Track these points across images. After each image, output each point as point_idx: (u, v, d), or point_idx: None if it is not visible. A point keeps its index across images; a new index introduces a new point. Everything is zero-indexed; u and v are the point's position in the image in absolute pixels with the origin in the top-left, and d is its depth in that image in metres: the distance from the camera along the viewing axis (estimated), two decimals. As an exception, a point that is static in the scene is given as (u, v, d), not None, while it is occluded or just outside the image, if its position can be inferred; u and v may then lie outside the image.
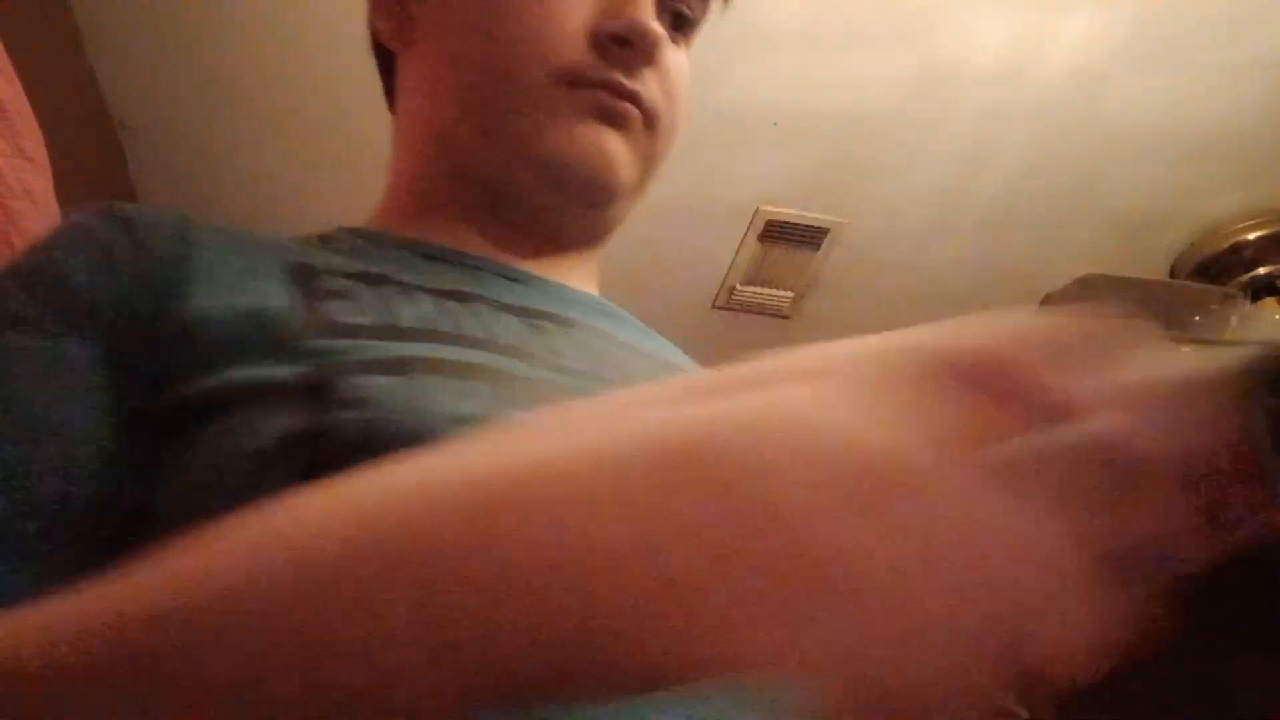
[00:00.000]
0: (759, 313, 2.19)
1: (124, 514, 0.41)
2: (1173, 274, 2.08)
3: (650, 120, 0.57)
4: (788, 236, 1.98)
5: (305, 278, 0.47)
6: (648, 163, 0.58)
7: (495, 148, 0.56)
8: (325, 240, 0.57)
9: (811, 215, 1.94)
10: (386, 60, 0.65)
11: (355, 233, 0.59)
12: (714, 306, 2.18)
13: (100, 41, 1.57)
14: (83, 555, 0.38)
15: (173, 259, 0.46)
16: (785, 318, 2.21)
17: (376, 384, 0.40)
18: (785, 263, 2.05)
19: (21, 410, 0.40)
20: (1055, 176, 1.87)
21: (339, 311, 0.45)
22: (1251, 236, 1.96)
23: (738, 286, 2.11)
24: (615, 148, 0.55)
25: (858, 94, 1.70)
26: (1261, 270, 1.98)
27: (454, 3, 0.58)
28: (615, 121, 0.55)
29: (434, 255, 0.55)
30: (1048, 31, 1.60)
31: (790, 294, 2.13)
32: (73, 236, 0.47)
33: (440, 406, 0.39)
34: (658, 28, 0.55)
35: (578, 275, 0.61)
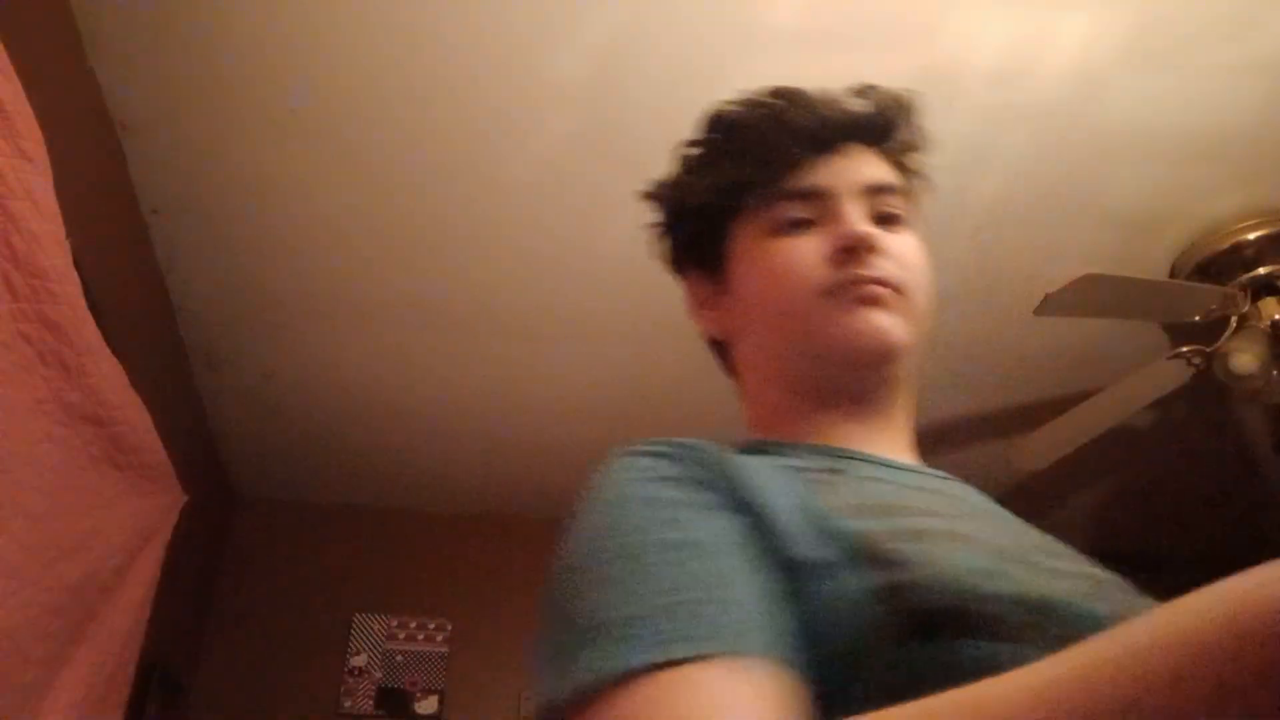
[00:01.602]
0: (759, 313, 2.19)
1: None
2: (1173, 274, 2.08)
3: (898, 289, 0.72)
4: (788, 236, 1.97)
5: (798, 474, 0.62)
6: (912, 321, 0.73)
7: (812, 357, 0.74)
8: (746, 449, 0.69)
9: (811, 215, 1.94)
10: (720, 347, 0.85)
11: (757, 443, 0.72)
12: (714, 306, 2.18)
13: (100, 41, 1.57)
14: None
15: (727, 472, 0.60)
16: (785, 318, 2.21)
17: (915, 549, 0.53)
18: (785, 263, 2.05)
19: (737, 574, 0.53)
20: (1055, 176, 1.87)
21: (843, 497, 0.59)
22: (1251, 236, 1.97)
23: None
24: (880, 320, 0.71)
25: (858, 94, 1.70)
26: (1261, 270, 1.98)
27: (746, 293, 0.78)
28: (871, 301, 0.71)
29: (824, 452, 0.70)
30: (1048, 32, 1.60)
31: (790, 294, 2.13)
32: (672, 455, 0.62)
33: (960, 562, 0.52)
34: (866, 228, 0.73)
35: (907, 451, 0.76)
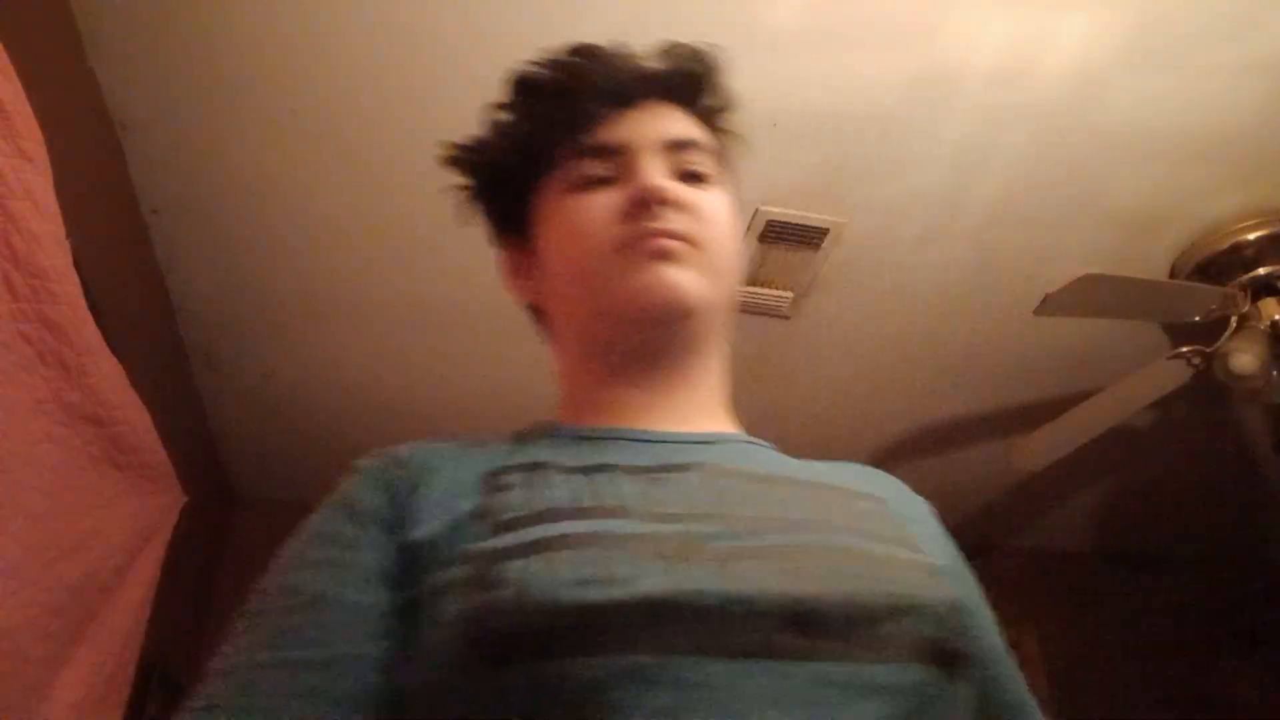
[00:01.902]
0: (759, 313, 2.19)
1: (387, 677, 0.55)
2: (1173, 274, 2.08)
3: (694, 244, 0.70)
4: (787, 236, 1.98)
5: (489, 482, 0.62)
6: (710, 276, 0.71)
7: (604, 316, 0.72)
8: (520, 436, 0.72)
9: (811, 215, 1.94)
10: (538, 314, 0.83)
11: (540, 426, 0.74)
12: (714, 306, 2.18)
13: (100, 41, 1.57)
14: (361, 703, 0.54)
15: (412, 492, 0.63)
16: (785, 318, 2.21)
17: (516, 566, 0.52)
18: (785, 263, 2.05)
19: (328, 599, 0.58)
20: (1055, 176, 1.87)
21: (504, 507, 0.59)
22: (1251, 236, 1.97)
23: (738, 287, 2.11)
24: (671, 275, 0.69)
25: (858, 94, 1.70)
26: (1261, 270, 1.98)
27: (548, 256, 0.76)
28: (662, 255, 0.69)
29: (585, 436, 0.70)
30: (1048, 32, 1.60)
31: (790, 294, 2.13)
32: (362, 476, 0.66)
33: (562, 575, 0.51)
34: (662, 182, 0.71)
35: (705, 418, 0.74)
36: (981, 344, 2.33)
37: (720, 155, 0.80)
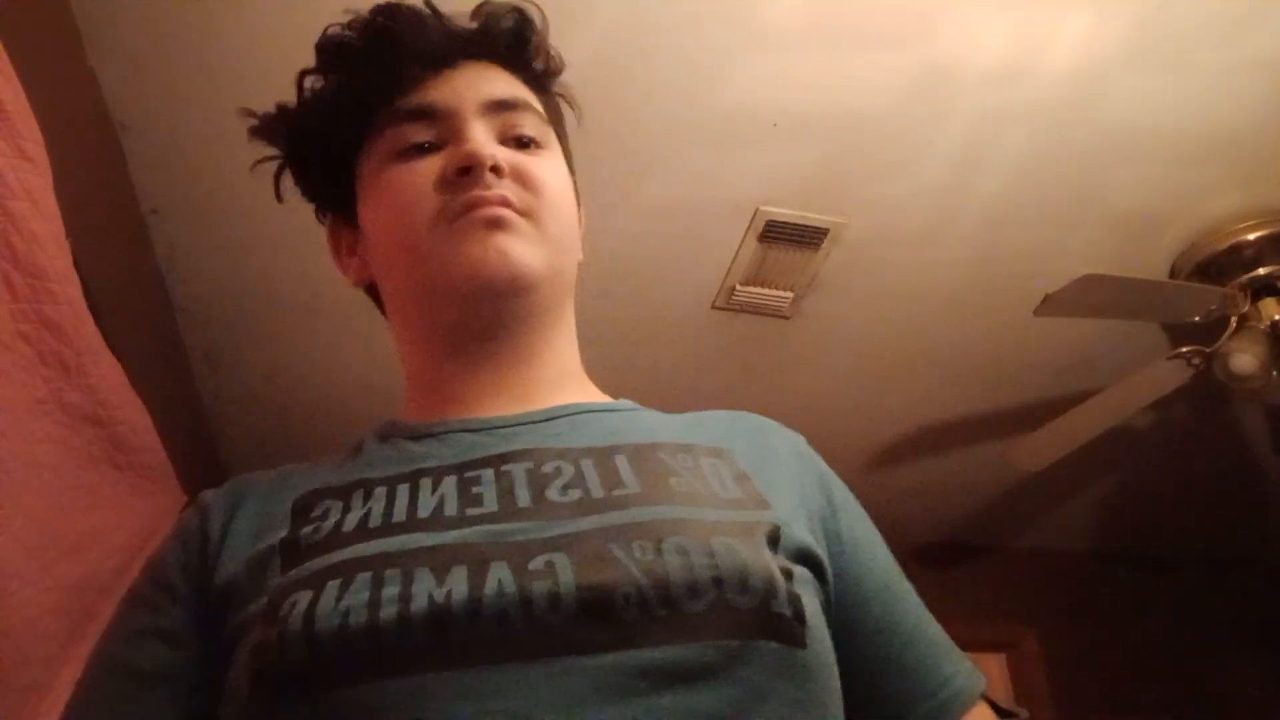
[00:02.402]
0: (759, 313, 2.19)
1: None
2: (1173, 274, 2.08)
3: (524, 212, 0.66)
4: (787, 236, 1.98)
5: (301, 510, 0.60)
6: (546, 245, 0.67)
7: (434, 293, 0.68)
8: (358, 446, 0.69)
9: (811, 215, 1.94)
10: (374, 296, 0.78)
11: (380, 428, 0.71)
12: (714, 307, 2.18)
13: (100, 41, 1.57)
14: None
15: (218, 536, 0.61)
16: (785, 318, 2.21)
17: (295, 599, 0.51)
18: (785, 263, 2.05)
19: (127, 663, 0.59)
20: (1055, 176, 1.87)
21: (308, 536, 0.57)
22: (1251, 236, 1.97)
23: (738, 287, 2.11)
24: (504, 243, 0.64)
25: (858, 94, 1.70)
26: (1261, 270, 1.98)
27: (371, 230, 0.71)
28: (490, 224, 0.64)
29: (414, 434, 0.67)
30: (1048, 32, 1.60)
31: (790, 294, 2.13)
32: (175, 529, 0.65)
33: (323, 606, 0.49)
34: (486, 150, 0.66)
35: (550, 393, 0.69)
36: (981, 344, 2.33)
37: (551, 119, 0.75)
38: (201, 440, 2.59)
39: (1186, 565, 3.12)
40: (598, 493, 0.57)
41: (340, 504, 0.60)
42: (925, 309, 2.22)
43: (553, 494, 0.57)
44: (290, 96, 0.78)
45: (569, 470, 0.60)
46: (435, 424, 0.67)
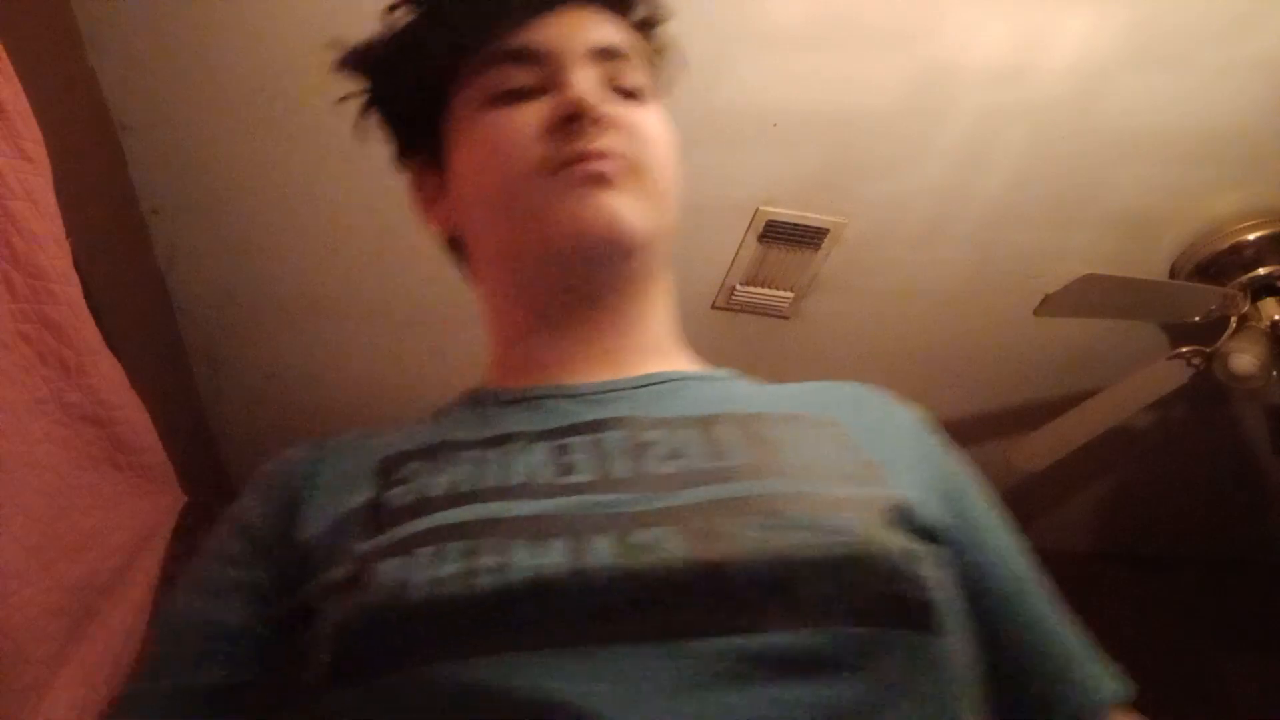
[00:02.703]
0: (759, 313, 2.19)
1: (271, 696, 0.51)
2: (1173, 274, 2.08)
3: (631, 167, 0.61)
4: (787, 236, 1.98)
5: (387, 471, 0.57)
6: (652, 204, 0.62)
7: (529, 251, 0.63)
8: (440, 411, 0.67)
9: (811, 215, 1.94)
10: (456, 249, 0.74)
11: (463, 395, 0.68)
12: (714, 307, 2.18)
13: (100, 41, 1.57)
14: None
15: (301, 492, 0.58)
16: (785, 318, 2.21)
17: (383, 567, 0.47)
18: (785, 263, 2.05)
19: (202, 618, 0.55)
20: (1055, 176, 1.87)
21: (391, 500, 0.54)
22: (1251, 236, 1.96)
23: (737, 287, 2.11)
24: (611, 201, 0.60)
25: (858, 94, 1.70)
26: (1261, 270, 1.98)
27: (464, 178, 0.66)
28: (600, 181, 0.60)
29: (503, 400, 0.63)
30: (1048, 31, 1.60)
31: (790, 294, 2.13)
32: (255, 483, 0.63)
33: (417, 574, 0.46)
34: (593, 98, 0.62)
35: (645, 359, 0.65)
36: (981, 344, 2.33)
37: (656, 71, 0.71)
38: (201, 440, 2.59)
39: (1186, 565, 3.12)
40: (702, 464, 0.53)
41: (428, 467, 0.56)
42: (925, 308, 2.22)
43: (652, 464, 0.53)
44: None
45: (670, 440, 0.56)
46: (526, 389, 0.63)
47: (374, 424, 0.67)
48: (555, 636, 0.43)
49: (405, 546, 0.48)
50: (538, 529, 0.48)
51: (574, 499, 0.51)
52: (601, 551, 0.46)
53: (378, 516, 0.53)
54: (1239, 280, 1.98)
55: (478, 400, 0.65)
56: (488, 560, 0.45)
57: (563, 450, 0.55)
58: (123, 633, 1.66)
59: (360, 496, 0.55)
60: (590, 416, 0.58)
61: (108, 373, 1.49)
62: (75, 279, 1.35)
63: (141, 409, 1.63)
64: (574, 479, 0.53)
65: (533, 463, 0.55)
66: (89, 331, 1.41)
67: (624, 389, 0.62)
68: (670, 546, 0.46)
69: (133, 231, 1.90)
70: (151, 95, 1.66)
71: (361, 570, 0.48)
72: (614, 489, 0.52)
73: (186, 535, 2.02)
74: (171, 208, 1.89)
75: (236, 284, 2.09)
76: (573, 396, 0.61)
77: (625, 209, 0.60)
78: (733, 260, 2.05)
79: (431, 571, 0.45)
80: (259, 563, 0.56)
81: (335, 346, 2.29)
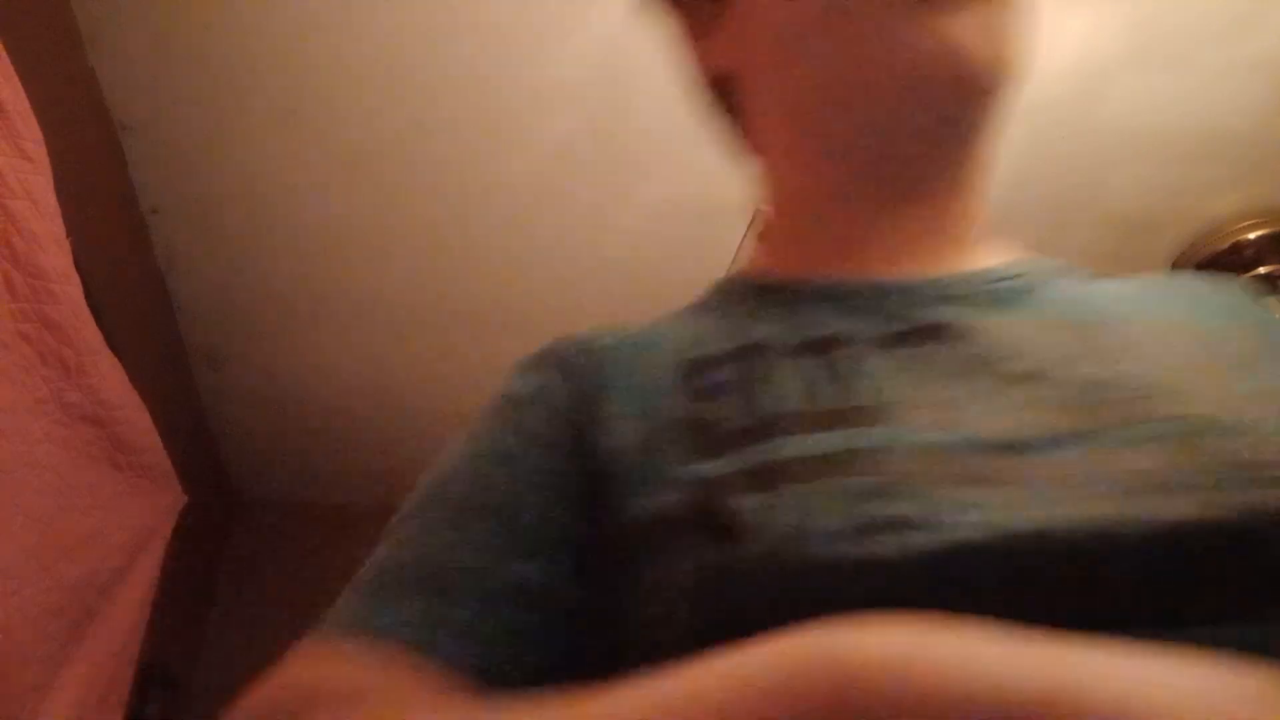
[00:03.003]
0: (759, 313, 2.19)
1: (569, 615, 0.42)
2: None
3: None
4: (788, 236, 1.97)
5: (690, 378, 0.46)
6: (1017, 35, 0.50)
7: (856, 93, 0.49)
8: (715, 304, 0.54)
9: (811, 215, 1.94)
10: (722, 99, 0.60)
11: (737, 283, 0.56)
12: (714, 306, 2.18)
13: (100, 41, 1.57)
14: (526, 648, 0.41)
15: (603, 389, 0.47)
16: (785, 318, 2.21)
17: (750, 506, 0.36)
18: (785, 263, 2.05)
19: (500, 514, 0.44)
20: (1055, 176, 1.87)
21: (718, 415, 0.43)
22: (1251, 236, 1.97)
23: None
24: (964, 27, 0.46)
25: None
26: (1261, 270, 1.98)
27: (758, 7, 0.52)
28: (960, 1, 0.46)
29: (807, 294, 0.50)
30: (1047, 31, 1.60)
31: (790, 294, 2.13)
32: (539, 364, 0.52)
33: (827, 521, 0.34)
34: None
35: (969, 245, 0.54)
36: (981, 344, 2.33)
37: None
38: (201, 440, 2.59)
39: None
40: (1108, 391, 0.40)
41: (741, 375, 0.44)
42: (925, 309, 2.22)
43: (1043, 390, 0.41)
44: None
45: (1049, 356, 0.43)
46: (839, 282, 0.50)
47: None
48: (1030, 618, 0.29)
49: (763, 480, 0.37)
50: (948, 468, 0.36)
51: (958, 434, 0.38)
52: (1045, 504, 0.33)
53: (705, 434, 0.42)
54: (1239, 280, 1.99)
55: (764, 293, 0.52)
56: (918, 507, 0.34)
57: (911, 359, 0.43)
58: (123, 633, 1.66)
59: (670, 409, 0.44)
60: (933, 319, 0.46)
61: (108, 373, 1.49)
62: (75, 279, 1.35)
63: (141, 409, 1.63)
64: (940, 395, 0.41)
65: (879, 377, 0.42)
66: (89, 331, 1.41)
67: (964, 288, 0.49)
68: (1121, 497, 0.33)
69: (133, 231, 1.91)
70: (151, 95, 1.66)
71: (709, 504, 0.38)
72: (1047, 425, 0.38)
73: (186, 535, 2.02)
74: (171, 208, 1.89)
75: (236, 284, 2.09)
76: (903, 293, 0.48)
77: (984, 35, 0.47)
78: (733, 260, 2.05)
79: (843, 517, 0.34)
80: (574, 459, 0.45)
81: (335, 346, 2.29)
